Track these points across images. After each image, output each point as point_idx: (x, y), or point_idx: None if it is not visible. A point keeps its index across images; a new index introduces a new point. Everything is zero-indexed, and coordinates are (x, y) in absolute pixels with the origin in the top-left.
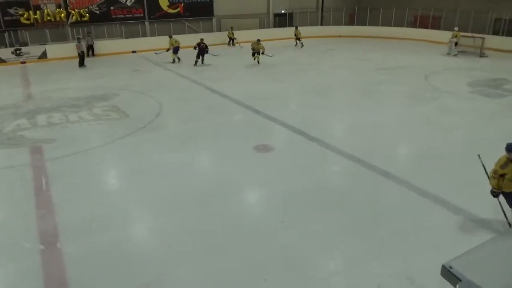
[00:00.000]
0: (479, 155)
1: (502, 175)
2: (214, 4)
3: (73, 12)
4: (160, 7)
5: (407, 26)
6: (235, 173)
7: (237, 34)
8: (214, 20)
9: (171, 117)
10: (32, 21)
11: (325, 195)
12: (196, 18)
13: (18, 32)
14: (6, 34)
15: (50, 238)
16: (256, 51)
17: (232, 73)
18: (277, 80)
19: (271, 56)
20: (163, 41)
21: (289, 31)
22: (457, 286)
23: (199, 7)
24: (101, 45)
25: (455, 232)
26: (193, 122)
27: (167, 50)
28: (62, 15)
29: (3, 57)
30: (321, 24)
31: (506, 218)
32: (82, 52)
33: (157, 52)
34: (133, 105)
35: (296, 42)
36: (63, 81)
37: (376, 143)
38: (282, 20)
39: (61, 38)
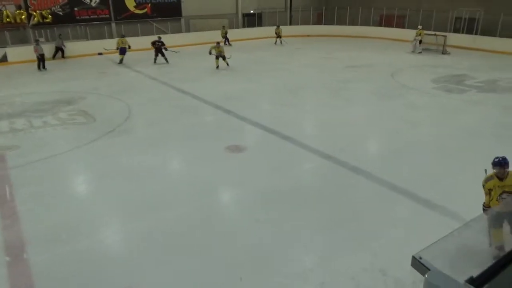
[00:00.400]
0: (486, 170)
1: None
2: (182, 4)
3: (34, 13)
4: (127, 7)
5: (373, 25)
6: (207, 174)
7: (206, 35)
8: (182, 20)
9: (140, 119)
10: None
11: (297, 193)
12: (164, 18)
13: None
14: None
15: (16, 249)
16: (219, 55)
17: (202, 73)
18: (248, 80)
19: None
20: (130, 42)
21: (258, 31)
22: (426, 275)
23: (166, 8)
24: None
25: (424, 224)
26: (163, 124)
27: (117, 48)
28: (23, 16)
29: None
30: (290, 24)
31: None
32: (41, 55)
33: (106, 48)
34: (100, 109)
35: (276, 40)
36: (25, 85)
37: (347, 140)
38: (251, 20)
39: (23, 41)
